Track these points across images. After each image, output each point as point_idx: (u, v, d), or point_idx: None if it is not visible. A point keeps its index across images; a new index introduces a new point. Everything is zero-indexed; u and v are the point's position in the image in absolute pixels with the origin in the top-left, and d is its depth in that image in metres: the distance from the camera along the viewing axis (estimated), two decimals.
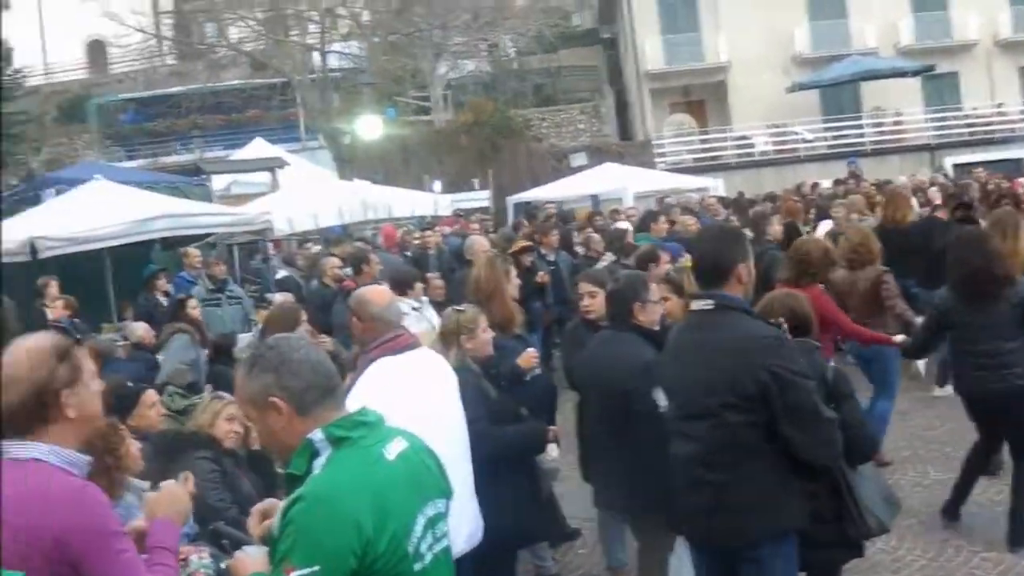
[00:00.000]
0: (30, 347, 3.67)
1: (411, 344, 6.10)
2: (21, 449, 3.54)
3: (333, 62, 40.85)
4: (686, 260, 9.58)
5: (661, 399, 6.10)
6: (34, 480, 3.48)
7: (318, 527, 3.32)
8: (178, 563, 3.90)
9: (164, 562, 3.74)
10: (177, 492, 4.03)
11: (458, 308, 7.06)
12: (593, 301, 7.91)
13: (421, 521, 3.53)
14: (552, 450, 7.36)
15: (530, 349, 7.85)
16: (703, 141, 47.14)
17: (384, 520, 3.38)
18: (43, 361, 3.60)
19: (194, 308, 13.24)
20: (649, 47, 49.32)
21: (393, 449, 3.57)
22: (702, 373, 5.42)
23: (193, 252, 16.72)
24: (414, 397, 5.48)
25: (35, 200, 20.51)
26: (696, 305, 5.62)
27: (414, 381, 5.82)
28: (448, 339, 6.87)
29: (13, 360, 3.64)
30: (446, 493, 3.78)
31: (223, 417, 7.14)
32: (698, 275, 5.70)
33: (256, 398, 3.57)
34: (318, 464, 3.49)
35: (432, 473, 3.73)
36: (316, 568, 3.28)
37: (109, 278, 17.06)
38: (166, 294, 15.51)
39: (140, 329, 11.99)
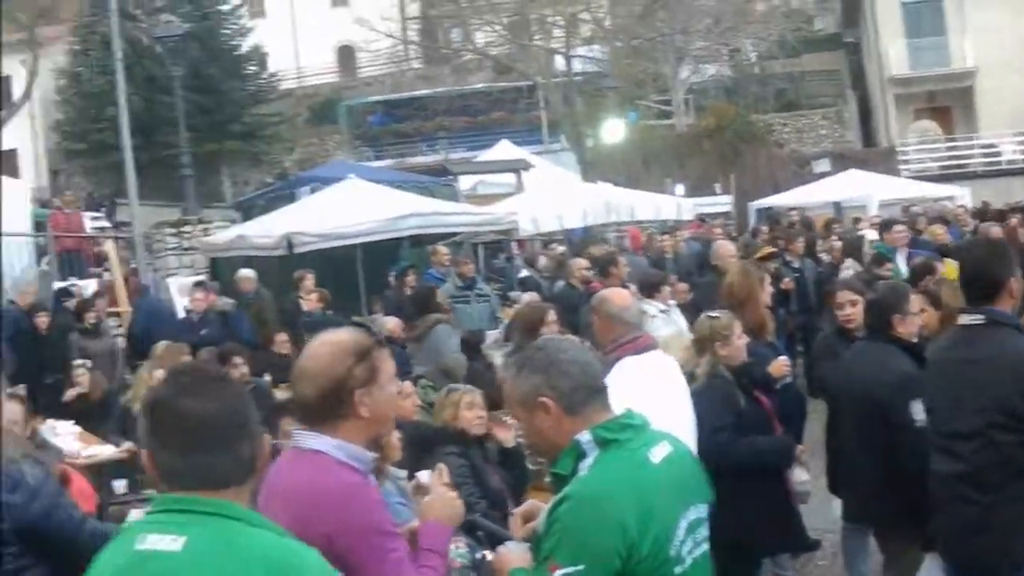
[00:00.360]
0: (332, 343, 3.74)
1: (650, 345, 6.15)
2: (307, 440, 3.63)
3: (576, 66, 41.16)
4: (947, 267, 9.32)
5: (918, 413, 5.99)
6: (313, 472, 3.56)
7: (584, 527, 3.36)
8: (446, 562, 3.91)
9: (431, 564, 3.76)
10: (450, 496, 4.05)
11: (712, 314, 7.03)
12: (854, 310, 7.76)
13: (683, 525, 3.53)
14: (801, 473, 7.25)
15: (782, 357, 7.77)
16: (949, 149, 45.67)
17: (648, 523, 3.39)
18: (342, 359, 3.64)
19: (441, 297, 13.48)
20: (893, 52, 47.96)
21: (658, 453, 3.58)
22: (970, 390, 5.27)
23: (442, 250, 17.09)
24: (656, 398, 5.43)
25: (291, 197, 21.40)
26: (964, 320, 5.47)
27: (655, 382, 5.85)
28: (702, 345, 6.86)
29: (314, 354, 3.73)
30: (707, 498, 3.76)
31: (463, 407, 7.22)
32: (967, 289, 5.56)
33: (525, 398, 3.62)
34: (584, 465, 3.51)
35: (695, 477, 3.73)
36: (580, 567, 3.32)
37: (360, 273, 17.60)
38: (412, 289, 15.85)
39: (391, 323, 12.28)
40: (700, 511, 3.67)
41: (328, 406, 3.61)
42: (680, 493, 3.57)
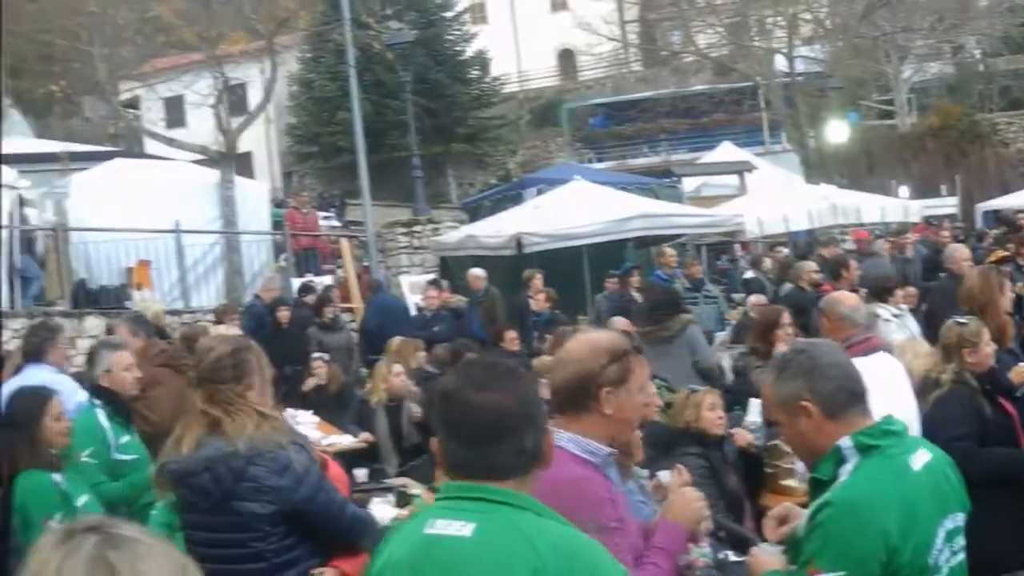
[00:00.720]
0: (591, 339, 3.90)
1: (879, 347, 6.12)
2: None
3: (798, 66, 40.62)
4: None
5: None
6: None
7: (846, 533, 3.39)
8: (674, 562, 3.92)
9: (656, 562, 3.80)
10: (692, 497, 4.09)
11: (960, 320, 6.89)
12: None
13: (941, 534, 3.54)
14: None
15: (1022, 364, 7.60)
16: None
17: (909, 531, 3.41)
18: (597, 355, 3.77)
19: None
20: None
21: (918, 460, 3.59)
22: None
23: (669, 251, 17.04)
24: (885, 401, 5.44)
25: (518, 199, 21.72)
26: None
27: (884, 385, 5.73)
28: (949, 351, 6.72)
29: (573, 347, 3.89)
30: (964, 506, 3.75)
31: (705, 408, 7.26)
32: None
33: (786, 402, 3.66)
34: (845, 471, 3.54)
35: (952, 485, 3.72)
36: (842, 573, 3.36)
37: (586, 273, 17.75)
38: (639, 290, 15.91)
39: (621, 323, 12.35)
40: (957, 520, 3.67)
41: (575, 396, 3.75)
42: (939, 501, 3.58)
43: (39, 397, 6.07)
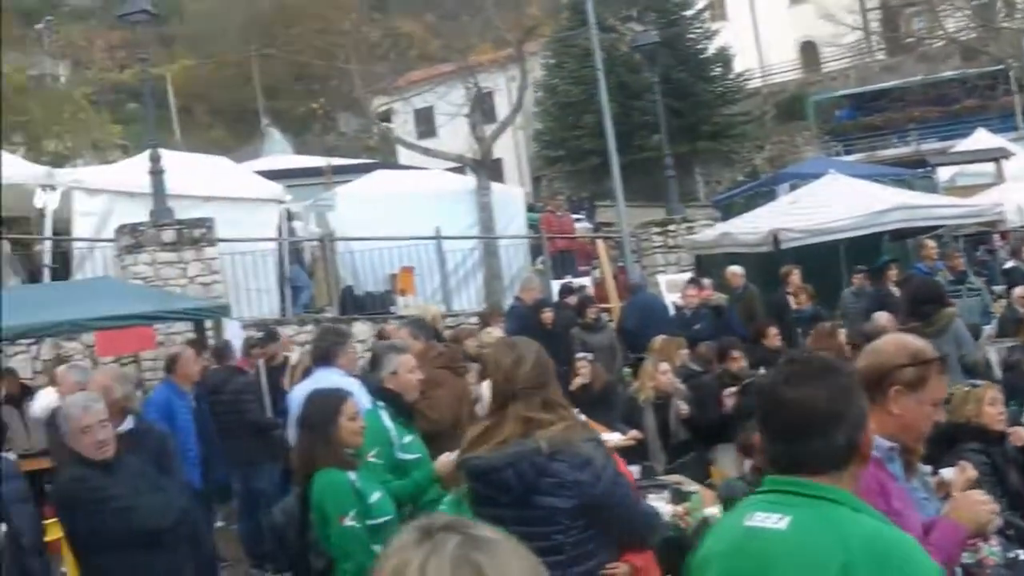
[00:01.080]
0: (902, 340, 4.05)
1: None
2: None
3: None
4: None
5: None
6: None
7: None
8: (951, 561, 3.90)
9: None
10: (979, 500, 4.05)
11: None
12: None
13: None
14: None
15: None
16: None
17: None
18: (901, 354, 3.90)
19: None
20: None
21: None
22: None
23: (930, 244, 16.82)
24: None
25: (771, 195, 21.69)
26: None
27: None
28: None
29: (884, 339, 4.05)
30: None
31: (986, 403, 7.18)
32: None
33: None
34: None
35: None
36: None
37: (843, 268, 17.61)
38: (896, 284, 15.71)
39: (883, 318, 12.25)
40: None
41: (868, 384, 3.73)
42: None
43: (335, 399, 6.27)
